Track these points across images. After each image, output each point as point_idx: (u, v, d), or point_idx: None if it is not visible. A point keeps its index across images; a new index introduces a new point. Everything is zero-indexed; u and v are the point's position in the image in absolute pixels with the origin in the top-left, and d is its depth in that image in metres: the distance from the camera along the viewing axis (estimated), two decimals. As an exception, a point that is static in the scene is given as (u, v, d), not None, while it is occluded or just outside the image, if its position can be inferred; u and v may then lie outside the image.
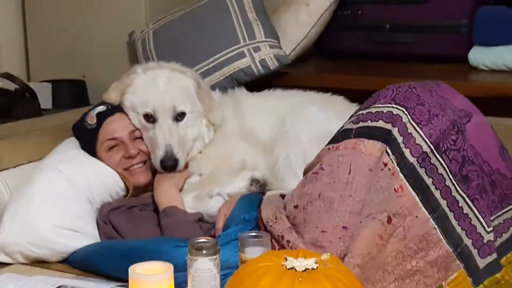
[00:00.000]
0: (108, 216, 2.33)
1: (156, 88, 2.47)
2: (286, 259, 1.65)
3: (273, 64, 2.93)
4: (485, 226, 1.86)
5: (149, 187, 2.46)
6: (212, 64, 2.92)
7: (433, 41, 3.11)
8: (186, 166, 2.48)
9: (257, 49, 2.92)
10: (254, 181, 2.45)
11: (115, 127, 2.45)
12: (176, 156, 2.39)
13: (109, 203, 2.39)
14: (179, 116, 2.45)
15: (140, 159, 2.45)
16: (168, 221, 2.27)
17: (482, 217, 1.87)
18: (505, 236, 1.91)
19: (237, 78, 2.91)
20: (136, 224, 2.32)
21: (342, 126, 2.04)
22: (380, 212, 1.85)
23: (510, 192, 1.97)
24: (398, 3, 3.20)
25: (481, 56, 2.93)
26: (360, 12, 3.27)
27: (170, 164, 2.39)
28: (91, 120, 2.47)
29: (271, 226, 2.03)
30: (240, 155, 2.49)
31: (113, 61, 3.29)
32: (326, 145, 2.04)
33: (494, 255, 1.85)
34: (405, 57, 3.18)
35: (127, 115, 2.48)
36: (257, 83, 2.90)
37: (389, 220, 1.85)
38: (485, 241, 1.85)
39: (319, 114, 2.46)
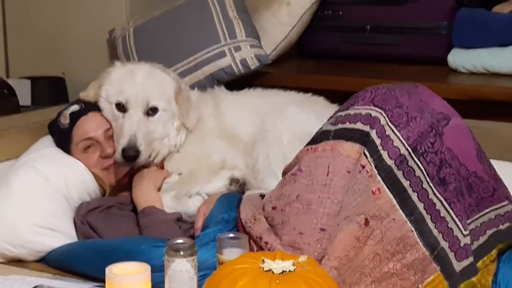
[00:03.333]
0: (85, 217, 2.32)
1: (132, 79, 2.45)
2: (264, 261, 1.65)
3: (253, 64, 2.92)
4: (462, 229, 1.87)
5: (127, 185, 2.45)
6: (192, 63, 2.91)
7: (413, 43, 3.12)
8: (162, 166, 2.47)
9: (237, 49, 2.92)
10: (233, 180, 2.44)
11: (90, 126, 2.42)
12: (138, 148, 2.35)
13: (87, 204, 2.37)
14: (151, 111, 2.43)
15: None
16: (146, 221, 2.27)
17: (459, 220, 1.87)
18: (482, 240, 1.92)
19: (217, 77, 2.90)
20: (115, 224, 2.30)
21: (321, 128, 2.04)
22: (358, 214, 1.86)
23: (487, 195, 1.98)
24: (379, 4, 3.20)
25: (460, 58, 2.95)
26: (341, 12, 3.27)
27: (130, 154, 2.35)
28: (65, 120, 2.44)
29: (250, 227, 2.03)
30: (220, 154, 2.48)
31: (93, 59, 3.28)
32: (304, 146, 2.04)
33: (471, 259, 1.85)
34: (386, 58, 3.19)
35: (101, 113, 2.45)
36: (237, 82, 2.90)
37: (367, 223, 1.85)
38: (461, 244, 1.86)
39: (299, 114, 2.46)
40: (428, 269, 1.83)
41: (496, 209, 1.98)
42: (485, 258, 1.89)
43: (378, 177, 1.87)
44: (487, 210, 1.97)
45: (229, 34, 2.95)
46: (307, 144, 2.03)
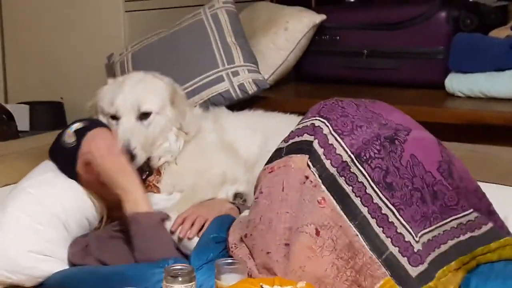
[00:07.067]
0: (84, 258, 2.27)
1: (121, 89, 2.43)
2: (262, 287, 1.64)
3: (251, 89, 2.93)
4: (413, 235, 1.85)
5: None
6: (190, 88, 2.91)
7: (410, 67, 3.14)
8: (158, 172, 2.45)
9: (235, 74, 2.93)
10: (238, 195, 2.44)
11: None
12: (132, 151, 2.32)
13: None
14: (144, 116, 2.41)
15: None
16: (132, 229, 2.19)
17: (410, 227, 1.85)
18: (443, 248, 1.89)
19: (215, 102, 2.91)
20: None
21: (276, 146, 2.05)
22: (307, 224, 1.86)
23: (452, 204, 1.95)
24: (376, 29, 3.23)
25: (457, 83, 2.96)
26: (338, 37, 3.30)
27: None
28: (69, 138, 2.35)
29: (232, 251, 2.02)
30: (220, 168, 2.46)
31: (91, 84, 3.26)
32: (263, 167, 2.05)
33: (426, 265, 1.83)
34: (383, 82, 3.21)
35: (107, 127, 2.39)
36: (235, 107, 2.90)
37: (317, 233, 1.85)
38: (415, 250, 1.83)
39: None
40: (377, 273, 1.81)
41: (458, 218, 1.95)
42: (445, 268, 1.85)
43: (322, 186, 1.88)
44: (450, 219, 1.93)
45: (227, 59, 2.96)
46: (265, 164, 2.04)
